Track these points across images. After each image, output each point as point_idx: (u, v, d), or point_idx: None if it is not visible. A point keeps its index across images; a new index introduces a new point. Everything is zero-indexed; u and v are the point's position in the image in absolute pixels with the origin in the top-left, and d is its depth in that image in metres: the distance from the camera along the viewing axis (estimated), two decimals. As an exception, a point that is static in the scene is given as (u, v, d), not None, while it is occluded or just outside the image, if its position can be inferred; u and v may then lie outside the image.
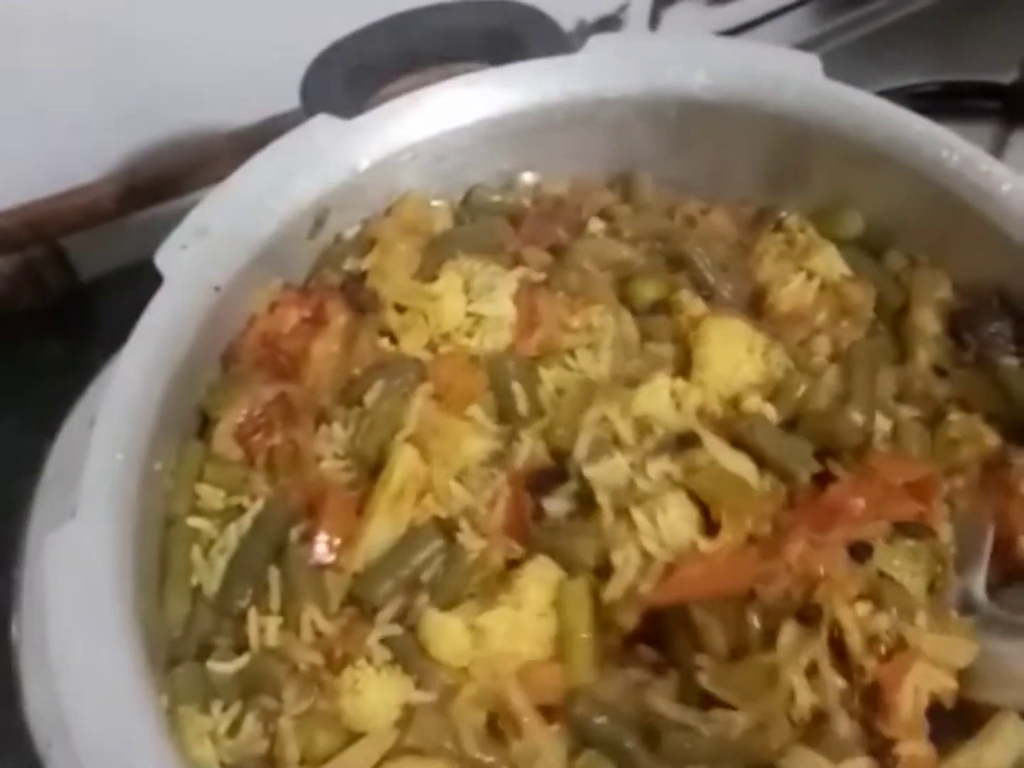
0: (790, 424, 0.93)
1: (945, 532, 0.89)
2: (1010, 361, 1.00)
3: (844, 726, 0.80)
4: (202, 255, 0.94)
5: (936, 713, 0.86)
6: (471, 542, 0.88)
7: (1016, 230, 0.98)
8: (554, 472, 0.91)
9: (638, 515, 0.86)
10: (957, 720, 0.86)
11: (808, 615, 0.83)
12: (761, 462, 0.89)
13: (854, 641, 0.82)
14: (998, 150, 1.56)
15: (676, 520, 0.86)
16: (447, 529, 0.90)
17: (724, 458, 0.88)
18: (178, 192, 1.44)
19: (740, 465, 0.88)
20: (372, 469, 0.93)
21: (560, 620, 0.86)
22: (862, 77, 1.34)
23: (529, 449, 0.92)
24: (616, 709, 0.83)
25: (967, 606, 0.88)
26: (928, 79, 1.61)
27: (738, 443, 0.89)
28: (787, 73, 1.05)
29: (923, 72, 1.62)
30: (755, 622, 0.82)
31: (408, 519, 0.90)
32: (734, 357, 0.95)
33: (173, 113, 1.42)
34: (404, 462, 0.90)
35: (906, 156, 1.03)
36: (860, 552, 0.85)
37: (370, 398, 0.95)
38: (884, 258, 1.08)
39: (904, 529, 0.88)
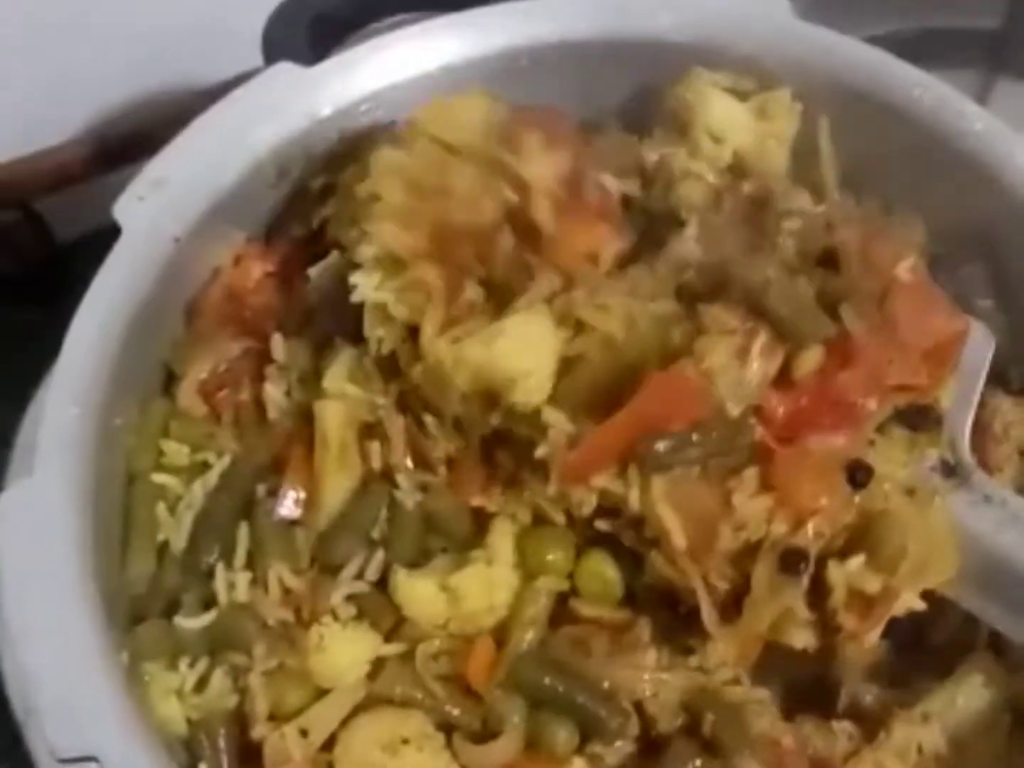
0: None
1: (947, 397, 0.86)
2: (985, 303, 0.99)
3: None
4: (160, 206, 0.93)
5: (909, 657, 0.86)
6: (408, 497, 0.87)
7: (990, 169, 0.96)
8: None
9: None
10: (930, 663, 0.85)
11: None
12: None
13: (837, 598, 0.80)
14: (982, 97, 1.54)
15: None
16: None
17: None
18: (151, 152, 1.38)
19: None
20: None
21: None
22: (843, 23, 1.31)
23: None
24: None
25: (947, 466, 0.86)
26: (910, 26, 1.58)
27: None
28: (755, 14, 1.03)
29: (905, 18, 1.59)
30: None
31: (359, 467, 0.89)
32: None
33: (143, 71, 1.41)
34: (330, 418, 0.88)
35: (878, 96, 1.01)
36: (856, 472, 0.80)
37: (278, 355, 0.94)
38: (858, 203, 1.06)
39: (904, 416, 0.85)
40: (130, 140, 1.42)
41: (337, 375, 0.90)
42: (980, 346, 0.90)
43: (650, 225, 0.92)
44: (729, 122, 1.02)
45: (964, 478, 0.86)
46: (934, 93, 1.00)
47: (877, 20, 1.54)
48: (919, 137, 1.00)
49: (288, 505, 0.88)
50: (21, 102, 1.35)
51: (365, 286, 0.87)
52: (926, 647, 0.86)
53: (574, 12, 1.04)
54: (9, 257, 1.44)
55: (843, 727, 0.82)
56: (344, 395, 0.89)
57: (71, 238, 1.47)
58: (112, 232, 0.94)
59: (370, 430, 0.89)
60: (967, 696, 0.83)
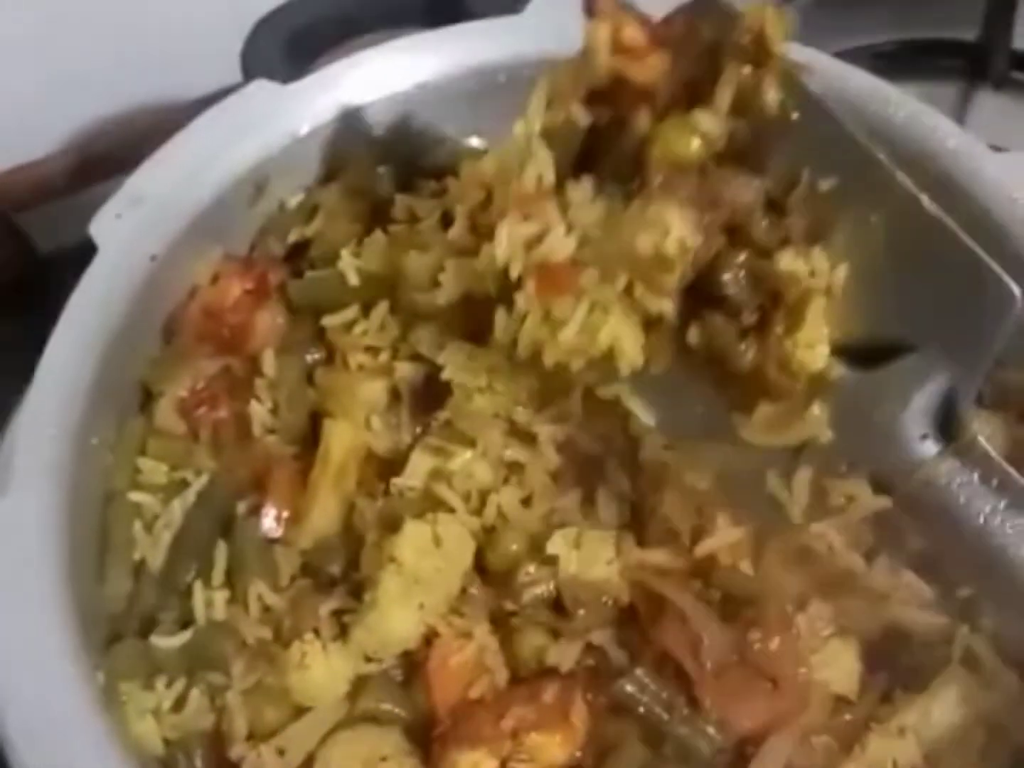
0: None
1: None
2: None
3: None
4: (137, 224, 0.93)
5: (885, 668, 0.86)
6: None
7: (962, 184, 0.97)
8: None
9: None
10: (905, 677, 0.86)
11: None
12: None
13: None
14: (962, 108, 1.55)
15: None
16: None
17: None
18: (132, 166, 1.39)
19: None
20: (308, 440, 0.92)
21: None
22: (821, 37, 1.31)
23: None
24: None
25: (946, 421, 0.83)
26: (889, 38, 1.59)
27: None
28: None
29: (884, 31, 1.59)
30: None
31: (352, 492, 0.89)
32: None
33: (125, 86, 1.41)
34: (339, 438, 0.89)
35: (852, 113, 1.01)
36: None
37: (269, 371, 0.94)
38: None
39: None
40: (110, 154, 1.42)
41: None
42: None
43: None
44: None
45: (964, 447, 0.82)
46: (907, 109, 1.00)
47: (858, 33, 1.55)
48: (891, 153, 1.00)
49: (270, 523, 0.88)
50: (1, 116, 1.34)
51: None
52: (901, 662, 0.86)
53: (553, 28, 1.03)
54: (-11, 270, 1.44)
55: (821, 741, 0.82)
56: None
57: (51, 251, 1.46)
58: (92, 246, 0.94)
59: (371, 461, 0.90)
60: (942, 711, 0.83)
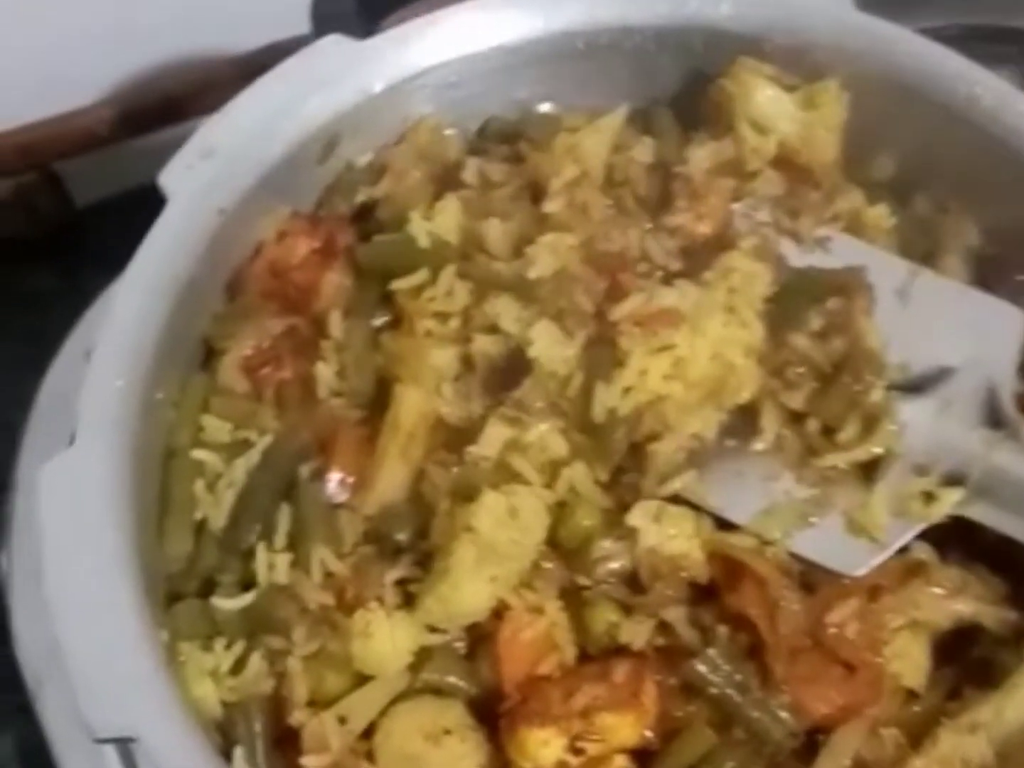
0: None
1: None
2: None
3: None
4: (207, 176, 0.91)
5: (955, 663, 0.85)
6: None
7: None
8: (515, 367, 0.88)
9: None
10: (978, 674, 0.84)
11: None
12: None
13: None
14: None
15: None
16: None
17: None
18: (176, 118, 1.40)
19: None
20: (374, 404, 0.90)
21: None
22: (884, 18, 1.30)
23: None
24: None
25: (994, 417, 0.88)
26: (945, 23, 1.56)
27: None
28: (816, 5, 1.01)
29: (946, 16, 1.57)
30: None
31: (420, 459, 0.87)
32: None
33: (172, 37, 1.38)
34: (410, 404, 0.87)
35: (939, 94, 0.99)
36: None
37: (336, 333, 0.92)
38: (911, 203, 1.05)
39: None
40: (157, 106, 1.40)
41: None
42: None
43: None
44: (773, 112, 1.00)
45: (1012, 430, 0.87)
46: (994, 91, 0.98)
47: (920, 16, 1.52)
48: (977, 136, 0.99)
49: (334, 487, 0.86)
50: (45, 63, 1.32)
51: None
52: (972, 657, 0.85)
53: (636, -2, 1.02)
54: (27, 219, 1.42)
55: (890, 733, 0.81)
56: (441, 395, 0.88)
57: (89, 202, 1.45)
58: (129, 197, 0.92)
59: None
60: (1015, 708, 0.82)
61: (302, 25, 1.39)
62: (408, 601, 0.83)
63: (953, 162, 1.01)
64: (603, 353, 0.86)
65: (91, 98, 1.39)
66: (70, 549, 0.76)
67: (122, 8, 1.32)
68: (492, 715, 0.81)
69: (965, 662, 0.86)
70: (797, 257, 0.95)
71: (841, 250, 0.96)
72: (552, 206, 0.92)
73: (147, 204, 0.90)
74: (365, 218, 0.99)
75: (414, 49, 0.99)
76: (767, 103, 0.99)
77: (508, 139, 1.03)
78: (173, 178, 0.90)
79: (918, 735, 0.81)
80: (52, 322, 1.07)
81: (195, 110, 1.37)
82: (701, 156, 0.98)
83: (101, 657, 0.73)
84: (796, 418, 0.87)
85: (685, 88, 1.06)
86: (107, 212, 1.42)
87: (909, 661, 0.84)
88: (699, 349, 0.85)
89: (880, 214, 1.00)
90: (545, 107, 1.07)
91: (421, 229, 0.92)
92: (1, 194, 1.39)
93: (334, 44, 0.98)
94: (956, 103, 0.99)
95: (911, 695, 0.84)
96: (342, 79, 0.97)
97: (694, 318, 0.86)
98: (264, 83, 0.95)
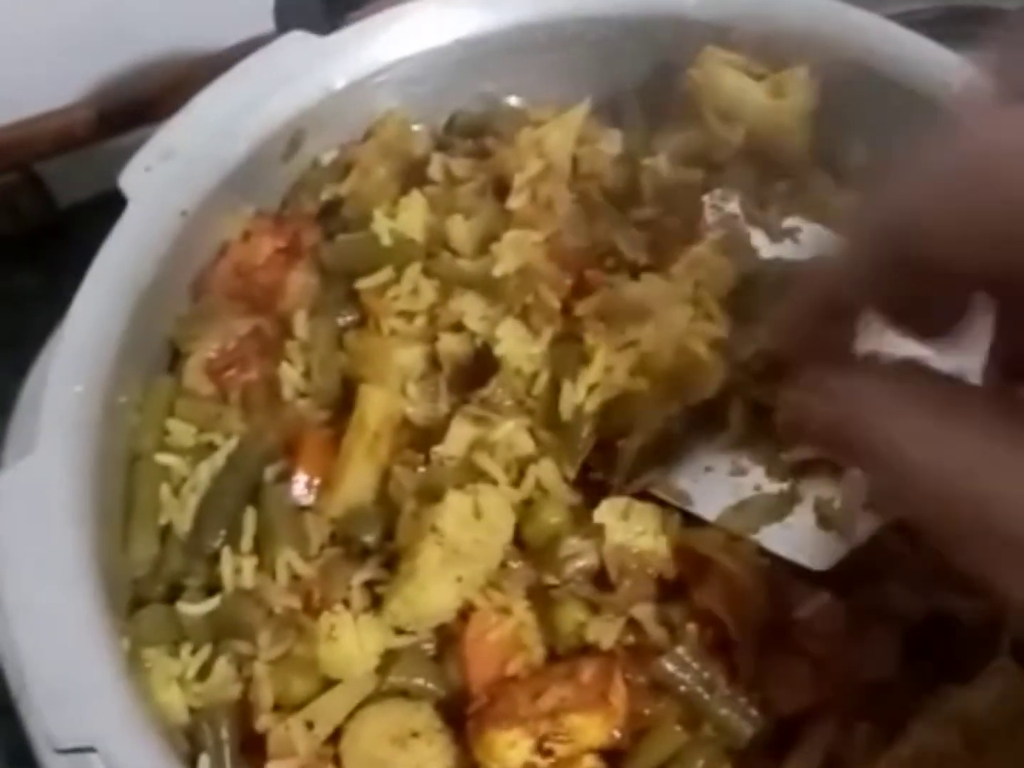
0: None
1: None
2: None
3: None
4: (168, 177, 0.90)
5: (929, 656, 0.84)
6: None
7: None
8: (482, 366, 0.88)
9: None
10: (950, 668, 0.84)
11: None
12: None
13: None
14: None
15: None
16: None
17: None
18: (156, 117, 1.36)
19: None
20: (340, 405, 0.89)
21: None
22: (860, 2, 1.29)
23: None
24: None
25: None
26: (930, 4, 1.55)
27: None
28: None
29: (925, -2, 1.55)
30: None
31: (386, 460, 0.86)
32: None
33: (148, 34, 1.37)
34: (375, 405, 0.86)
35: (909, 80, 0.98)
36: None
37: (301, 333, 0.91)
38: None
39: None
40: (133, 105, 1.39)
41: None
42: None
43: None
44: (741, 101, 1.00)
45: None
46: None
47: (895, 0, 1.51)
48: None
49: (300, 489, 0.86)
50: (23, 64, 1.31)
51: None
52: (946, 650, 0.84)
53: (595, -13, 1.01)
54: (8, 220, 1.41)
55: (862, 728, 0.80)
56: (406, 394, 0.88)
57: (71, 203, 1.44)
58: (112, 197, 0.91)
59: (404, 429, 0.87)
60: (987, 701, 0.81)
61: (275, 22, 1.38)
62: (376, 603, 0.82)
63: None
64: (569, 350, 0.86)
65: (67, 99, 1.39)
66: (28, 557, 0.75)
67: (96, 9, 1.32)
68: (460, 717, 0.80)
69: (938, 655, 0.85)
70: (766, 248, 0.94)
71: (810, 240, 0.95)
72: (516, 202, 0.91)
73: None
74: (331, 216, 0.99)
75: (376, 44, 0.99)
76: (734, 92, 0.98)
77: (474, 133, 1.02)
78: (133, 180, 0.90)
79: (891, 729, 0.81)
80: (33, 323, 1.06)
81: (173, 109, 1.36)
82: (668, 147, 0.97)
83: (60, 666, 0.72)
84: (765, 411, 0.86)
85: (653, 79, 1.05)
86: (89, 212, 1.41)
87: (881, 654, 0.83)
88: (664, 344, 0.84)
89: (850, 202, 0.99)
90: (512, 100, 1.06)
91: (384, 227, 0.91)
92: (-18, 196, 1.39)
93: (296, 40, 0.97)
94: (927, 89, 0.98)
95: (883, 689, 0.82)
96: (304, 75, 0.97)
97: (660, 312, 0.85)
98: (225, 81, 0.94)
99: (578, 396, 0.84)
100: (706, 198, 0.97)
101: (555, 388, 0.85)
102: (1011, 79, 0.48)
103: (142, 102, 1.38)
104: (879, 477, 0.53)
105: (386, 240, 0.91)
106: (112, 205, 0.90)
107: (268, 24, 1.36)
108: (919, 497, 0.47)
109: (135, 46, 1.38)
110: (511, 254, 0.88)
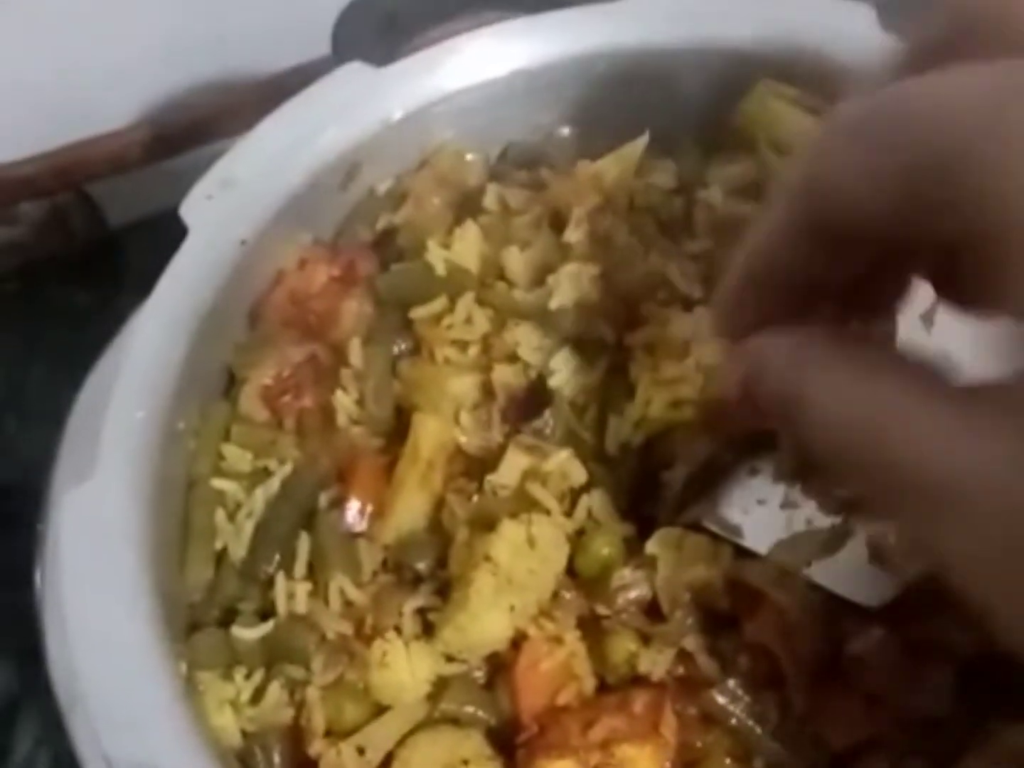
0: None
1: None
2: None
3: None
4: (228, 206, 0.91)
5: (982, 690, 0.84)
6: None
7: None
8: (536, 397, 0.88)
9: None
10: (1005, 700, 0.83)
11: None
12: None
13: None
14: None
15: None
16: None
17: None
18: (208, 139, 1.41)
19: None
20: (393, 433, 0.90)
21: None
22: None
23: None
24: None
25: None
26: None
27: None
28: (841, 26, 1.00)
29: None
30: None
31: (439, 488, 0.87)
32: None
33: (202, 59, 1.40)
34: (428, 433, 0.87)
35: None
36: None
37: (356, 361, 0.92)
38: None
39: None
40: (187, 128, 1.42)
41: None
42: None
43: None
44: (794, 133, 0.99)
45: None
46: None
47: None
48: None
49: (353, 516, 0.87)
50: (79, 88, 1.34)
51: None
52: (1001, 688, 0.84)
53: (655, 17, 1.01)
54: (61, 240, 1.44)
55: (915, 764, 0.80)
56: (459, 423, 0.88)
57: (122, 224, 1.46)
58: (162, 218, 0.93)
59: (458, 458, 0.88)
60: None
61: (328, 46, 1.40)
62: (427, 630, 0.83)
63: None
64: (616, 383, 0.86)
65: (122, 121, 1.41)
66: (90, 582, 0.76)
67: (152, 30, 1.34)
68: (510, 746, 0.80)
69: (992, 691, 0.84)
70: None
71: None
72: (574, 236, 0.91)
73: (177, 225, 0.91)
74: (386, 245, 1.00)
75: (433, 75, 1.00)
76: (788, 125, 0.98)
77: (529, 164, 1.03)
78: (193, 209, 0.91)
79: (944, 765, 0.80)
80: (86, 340, 1.08)
81: (225, 132, 1.38)
82: (723, 180, 0.97)
83: (119, 689, 0.73)
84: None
85: (708, 111, 1.05)
86: (139, 232, 1.44)
87: (933, 688, 0.82)
88: (711, 376, 0.84)
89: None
90: (566, 131, 1.07)
91: (438, 257, 0.92)
92: (36, 214, 1.41)
93: (353, 72, 0.98)
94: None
95: (936, 724, 0.82)
96: (362, 107, 0.98)
97: (712, 344, 0.86)
98: (283, 112, 0.96)
99: (624, 431, 0.84)
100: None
101: (603, 421, 0.85)
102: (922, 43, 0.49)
103: (195, 125, 1.40)
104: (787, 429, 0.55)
105: (440, 270, 0.92)
106: (162, 226, 0.92)
107: (322, 49, 1.38)
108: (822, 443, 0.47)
109: (188, 69, 1.41)
110: (568, 287, 0.88)
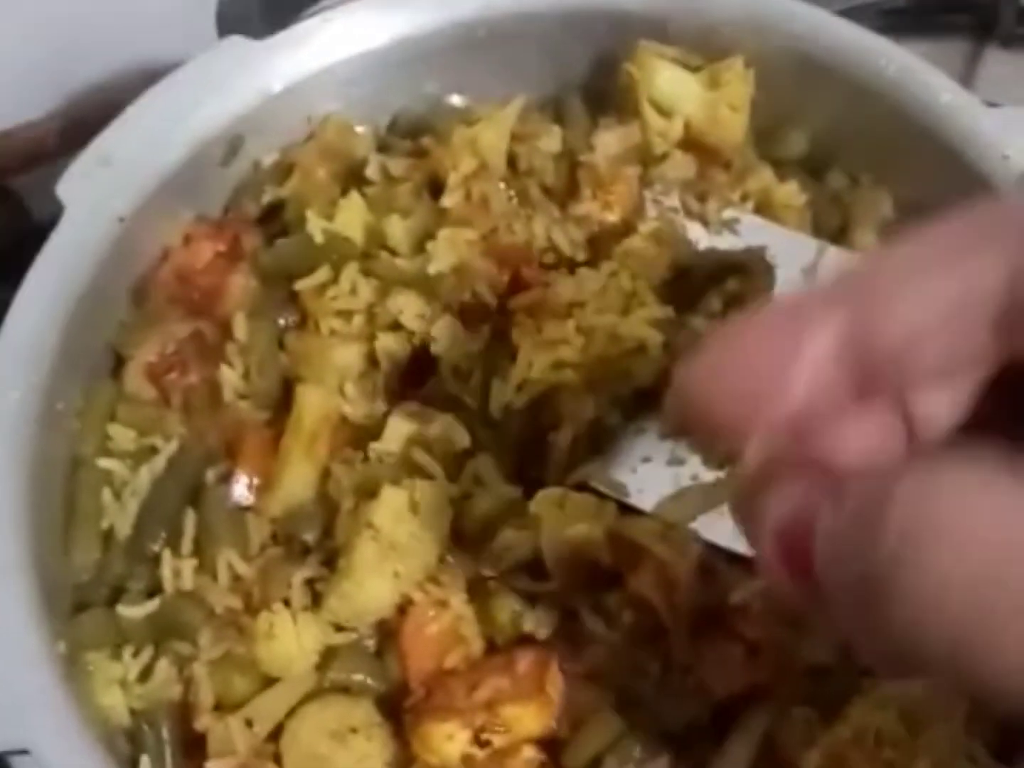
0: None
1: None
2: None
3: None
4: (105, 184, 0.91)
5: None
6: None
7: (956, 141, 0.94)
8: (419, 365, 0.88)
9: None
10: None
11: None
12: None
13: None
14: (970, 65, 1.51)
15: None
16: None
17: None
18: None
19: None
20: (280, 406, 0.90)
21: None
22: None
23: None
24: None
25: None
26: (900, -8, 1.55)
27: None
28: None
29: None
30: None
31: (325, 459, 0.87)
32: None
33: (116, 45, 1.38)
34: (312, 404, 0.86)
35: (845, 68, 0.99)
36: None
37: (241, 336, 0.92)
38: (824, 178, 1.04)
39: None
40: (102, 116, 1.39)
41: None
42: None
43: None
44: (677, 93, 1.00)
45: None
46: (899, 63, 0.97)
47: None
48: (884, 109, 0.98)
49: (241, 490, 0.86)
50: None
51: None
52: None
53: (531, -19, 1.01)
54: (-17, 235, 1.42)
55: (801, 711, 0.80)
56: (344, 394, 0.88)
57: (46, 216, 1.44)
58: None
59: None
60: (926, 682, 0.81)
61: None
62: (317, 601, 0.82)
63: (864, 136, 1.01)
64: (499, 347, 0.86)
65: (38, 112, 1.39)
66: (-38, 564, 0.76)
67: (61, 19, 1.32)
68: (400, 711, 0.80)
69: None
70: (705, 240, 0.95)
71: (749, 231, 0.96)
72: (450, 200, 0.91)
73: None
74: (273, 219, 0.99)
75: (313, 47, 0.99)
76: (670, 85, 0.98)
77: (415, 133, 1.02)
78: (71, 187, 0.91)
79: (830, 713, 0.81)
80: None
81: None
82: (607, 142, 0.97)
83: (-6, 674, 0.73)
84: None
85: (595, 73, 1.06)
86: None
87: (818, 639, 0.83)
88: (594, 336, 0.84)
89: (791, 191, 1.00)
90: (455, 99, 1.06)
91: (317, 226, 0.92)
92: (-44, 211, 1.39)
93: (232, 46, 0.97)
94: (862, 76, 0.98)
95: (821, 673, 0.83)
96: (241, 80, 0.97)
97: (593, 305, 0.86)
98: (161, 88, 0.95)
99: (506, 394, 0.84)
100: (647, 192, 0.97)
101: (488, 385, 0.85)
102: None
103: (110, 112, 1.38)
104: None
105: (318, 238, 0.92)
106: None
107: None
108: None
109: (103, 56, 1.38)
110: (445, 252, 0.88)
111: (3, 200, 1.42)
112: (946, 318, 0.39)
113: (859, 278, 0.42)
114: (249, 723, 0.79)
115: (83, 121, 1.39)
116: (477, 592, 0.83)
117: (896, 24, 1.18)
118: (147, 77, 1.38)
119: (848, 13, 1.24)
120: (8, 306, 1.36)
